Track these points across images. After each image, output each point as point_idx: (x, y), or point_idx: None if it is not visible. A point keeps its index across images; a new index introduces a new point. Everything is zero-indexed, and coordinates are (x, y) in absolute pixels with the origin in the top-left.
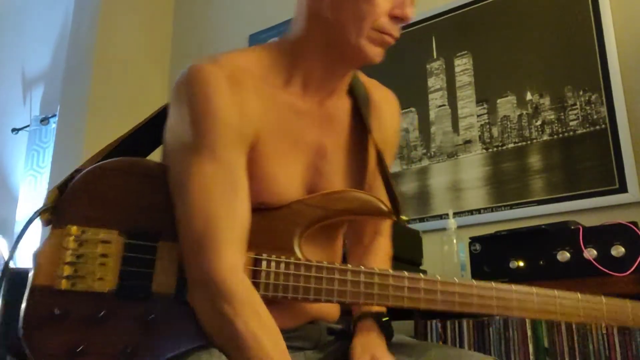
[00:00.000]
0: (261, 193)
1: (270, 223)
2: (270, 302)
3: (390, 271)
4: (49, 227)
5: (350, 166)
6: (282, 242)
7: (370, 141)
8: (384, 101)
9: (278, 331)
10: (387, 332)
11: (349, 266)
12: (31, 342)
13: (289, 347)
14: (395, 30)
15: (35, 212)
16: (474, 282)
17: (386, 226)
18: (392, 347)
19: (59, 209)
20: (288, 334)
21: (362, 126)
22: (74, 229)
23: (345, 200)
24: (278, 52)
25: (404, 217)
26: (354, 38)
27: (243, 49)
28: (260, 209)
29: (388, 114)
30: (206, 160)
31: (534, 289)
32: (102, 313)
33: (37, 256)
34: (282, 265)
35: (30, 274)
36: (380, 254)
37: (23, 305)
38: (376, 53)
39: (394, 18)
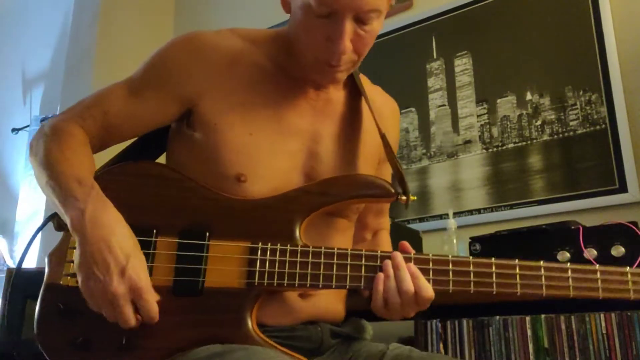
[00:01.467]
0: (235, 164)
1: (269, 212)
2: (264, 299)
3: (397, 252)
4: (61, 232)
5: (349, 151)
6: (282, 230)
7: (369, 128)
8: (385, 106)
9: (88, 158)
10: None
11: (349, 250)
12: (41, 336)
13: (289, 347)
14: (333, 59)
15: (48, 217)
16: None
17: (387, 222)
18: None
19: None
20: (286, 333)
21: (359, 116)
22: None
23: (347, 184)
24: (275, 41)
25: (413, 197)
26: (303, 62)
27: (259, 30)
28: (258, 199)
29: (390, 120)
30: (122, 86)
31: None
32: None
33: (49, 257)
34: (278, 253)
35: (45, 274)
36: (384, 245)
37: (37, 302)
38: (322, 78)
39: (330, 46)
